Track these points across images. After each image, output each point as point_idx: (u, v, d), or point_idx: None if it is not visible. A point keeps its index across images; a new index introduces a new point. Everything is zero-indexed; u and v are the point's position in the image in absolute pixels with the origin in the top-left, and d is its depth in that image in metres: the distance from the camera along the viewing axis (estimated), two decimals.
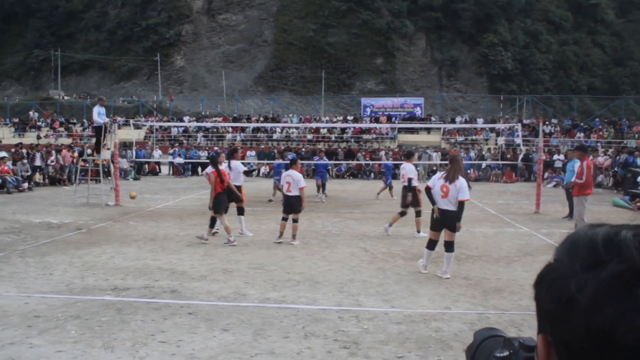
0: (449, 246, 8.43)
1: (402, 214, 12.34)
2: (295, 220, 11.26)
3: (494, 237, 12.17)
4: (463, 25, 76.17)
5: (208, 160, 13.69)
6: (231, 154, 13.18)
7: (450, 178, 8.30)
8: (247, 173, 13.51)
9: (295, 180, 11.14)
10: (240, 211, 12.24)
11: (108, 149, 18.06)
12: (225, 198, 11.28)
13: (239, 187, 12.16)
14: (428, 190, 8.52)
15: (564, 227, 13.13)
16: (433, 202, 8.48)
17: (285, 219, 11.30)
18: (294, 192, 11.11)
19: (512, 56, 73.13)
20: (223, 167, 11.80)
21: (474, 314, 6.68)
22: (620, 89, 67.91)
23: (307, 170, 26.46)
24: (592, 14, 79.57)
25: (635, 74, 74.49)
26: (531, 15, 77.18)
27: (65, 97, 69.00)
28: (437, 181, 8.43)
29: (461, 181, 8.34)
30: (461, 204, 8.30)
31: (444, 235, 8.47)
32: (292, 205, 11.18)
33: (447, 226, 8.40)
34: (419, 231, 12.15)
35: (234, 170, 12.40)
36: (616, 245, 0.74)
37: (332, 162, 27.72)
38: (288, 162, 12.86)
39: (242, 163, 14.34)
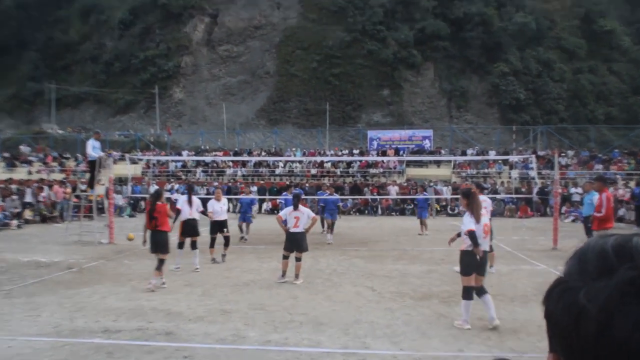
0: (484, 289, 7.96)
1: None
2: (298, 259, 11.16)
3: (509, 274, 12.02)
4: (472, 54, 76.78)
5: (208, 196, 14.42)
6: (190, 190, 14.08)
7: (477, 218, 7.88)
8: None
9: (304, 214, 11.16)
10: (194, 245, 13.02)
11: (102, 184, 18.08)
12: (156, 239, 10.56)
13: (197, 222, 13.17)
14: (473, 234, 7.85)
15: None
16: (477, 244, 7.83)
17: (286, 257, 11.16)
18: (301, 229, 11.05)
19: (524, 86, 73.47)
20: (183, 205, 13.05)
21: (488, 356, 6.54)
22: (639, 118, 67.98)
23: (311, 207, 26.25)
24: (607, 41, 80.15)
25: None
26: (543, 44, 77.80)
27: (59, 131, 69.48)
28: (476, 225, 7.86)
29: (487, 201, 8.16)
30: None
31: (475, 280, 7.93)
32: (298, 242, 11.04)
33: (483, 270, 7.96)
34: (491, 266, 11.67)
35: (194, 205, 13.25)
36: (628, 251, 0.74)
37: (341, 197, 27.03)
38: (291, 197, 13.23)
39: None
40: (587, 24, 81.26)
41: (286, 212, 11.35)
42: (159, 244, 10.55)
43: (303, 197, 17.21)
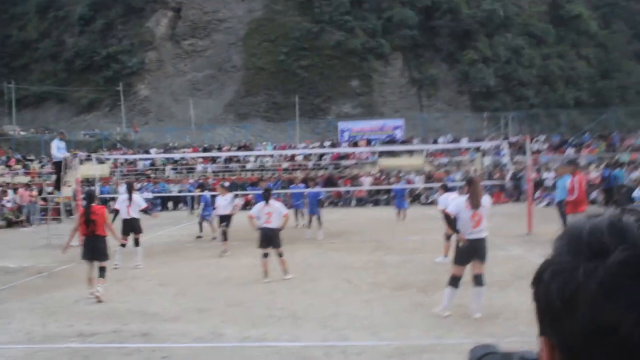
0: (481, 279, 7.91)
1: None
2: (280, 255, 11.00)
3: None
4: (441, 42, 77.35)
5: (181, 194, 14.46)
6: (130, 188, 14.02)
7: (475, 204, 7.85)
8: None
9: (277, 209, 11.06)
10: (137, 242, 13.20)
11: (69, 185, 17.88)
12: (92, 245, 9.73)
13: (138, 220, 13.25)
14: (448, 217, 8.02)
15: None
16: (455, 229, 7.94)
17: (266, 255, 10.96)
18: (275, 224, 10.96)
19: (494, 72, 74.28)
20: (122, 204, 13.01)
21: (469, 342, 6.64)
22: (608, 102, 69.18)
23: (284, 201, 26.20)
24: (574, 26, 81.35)
25: (623, 86, 76.08)
26: (512, 30, 78.69)
27: (22, 132, 68.32)
28: (462, 210, 7.86)
29: (488, 201, 8.14)
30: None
31: (473, 268, 7.93)
32: (272, 239, 10.91)
33: (480, 257, 7.90)
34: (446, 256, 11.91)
35: (135, 204, 13.29)
36: (620, 230, 0.73)
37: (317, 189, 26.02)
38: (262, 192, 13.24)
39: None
40: (554, 10, 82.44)
41: (257, 209, 11.24)
42: (96, 251, 9.68)
43: (274, 191, 17.21)
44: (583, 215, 0.82)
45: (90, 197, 10.07)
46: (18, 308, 9.23)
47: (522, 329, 7.03)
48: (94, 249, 9.64)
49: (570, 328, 0.73)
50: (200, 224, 18.41)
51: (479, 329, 7.19)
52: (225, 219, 15.08)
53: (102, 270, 9.68)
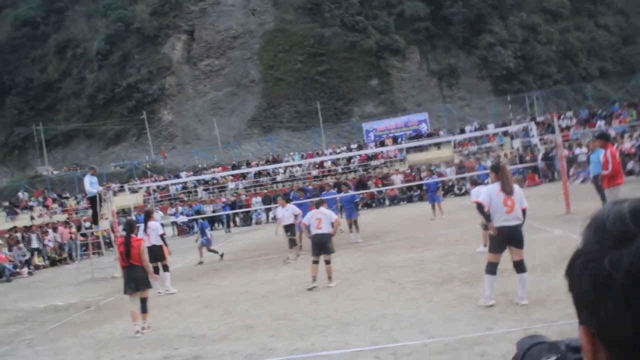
0: (523, 265, 7.82)
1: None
2: (327, 262, 10.98)
3: (526, 245, 12.01)
4: (455, 30, 76.78)
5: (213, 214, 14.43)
6: (147, 216, 14.10)
7: (508, 189, 7.80)
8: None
9: (327, 215, 11.08)
10: (165, 268, 13.31)
11: (106, 218, 18.18)
12: (133, 274, 9.53)
13: (160, 247, 13.15)
14: (480, 206, 8.00)
15: None
16: (488, 218, 7.92)
17: (316, 262, 10.90)
18: (325, 230, 10.94)
19: (512, 54, 73.44)
20: (140, 234, 11.60)
21: (519, 330, 6.58)
22: (634, 68, 67.90)
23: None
24: None
25: None
26: (525, 8, 77.76)
27: (55, 172, 69.62)
28: (494, 197, 7.81)
29: (518, 188, 8.08)
30: (525, 212, 7.98)
31: (512, 255, 7.85)
32: (324, 245, 10.88)
33: (516, 243, 7.83)
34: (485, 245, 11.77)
35: (153, 231, 13.28)
36: None
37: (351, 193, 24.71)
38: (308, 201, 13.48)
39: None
40: None
41: (308, 216, 11.31)
42: (139, 280, 9.46)
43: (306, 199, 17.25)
44: (610, 201, 0.82)
45: (130, 226, 9.98)
46: (71, 344, 9.39)
47: (572, 311, 6.90)
48: (136, 278, 9.52)
49: (606, 316, 0.74)
50: (200, 249, 17.98)
51: (527, 316, 7.11)
52: (289, 229, 15.46)
53: (143, 302, 9.52)
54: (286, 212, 15.71)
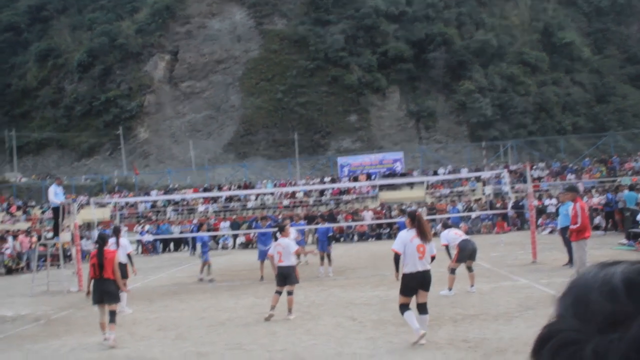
0: (425, 308, 8.24)
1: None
2: (290, 293, 10.76)
3: (490, 292, 11.94)
4: (436, 74, 77.82)
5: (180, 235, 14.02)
6: (117, 233, 13.63)
7: (424, 238, 8.12)
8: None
9: (285, 247, 10.83)
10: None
11: (68, 231, 17.70)
12: (103, 287, 9.49)
13: (125, 265, 12.78)
14: (397, 257, 8.18)
15: (566, 275, 12.90)
16: (397, 268, 8.21)
17: (279, 292, 10.70)
18: (287, 262, 10.73)
19: (490, 102, 74.50)
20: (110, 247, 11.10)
21: None
22: (606, 126, 69.36)
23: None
24: (567, 52, 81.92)
25: (619, 109, 76.29)
26: (506, 59, 79.22)
27: (23, 179, 68.33)
28: (409, 243, 8.08)
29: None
30: (433, 259, 8.36)
31: (417, 297, 8.19)
32: (288, 276, 10.71)
33: (425, 287, 8.18)
34: (472, 285, 12.25)
35: (122, 248, 12.86)
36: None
37: (314, 226, 23.00)
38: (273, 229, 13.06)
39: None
40: (546, 37, 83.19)
41: (272, 247, 11.16)
42: (105, 293, 9.44)
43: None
44: (596, 264, 0.69)
45: (103, 240, 9.92)
46: (14, 358, 8.97)
47: None
48: (104, 291, 9.46)
49: None
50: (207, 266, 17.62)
51: None
52: None
53: (112, 314, 9.47)
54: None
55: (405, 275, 8.08)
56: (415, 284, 8.07)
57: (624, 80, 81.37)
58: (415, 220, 8.27)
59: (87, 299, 10.02)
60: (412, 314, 8.07)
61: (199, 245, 18.29)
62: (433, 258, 8.31)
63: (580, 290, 0.63)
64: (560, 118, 75.93)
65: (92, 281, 9.61)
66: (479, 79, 76.08)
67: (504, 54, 79.36)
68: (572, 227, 11.12)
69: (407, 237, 8.16)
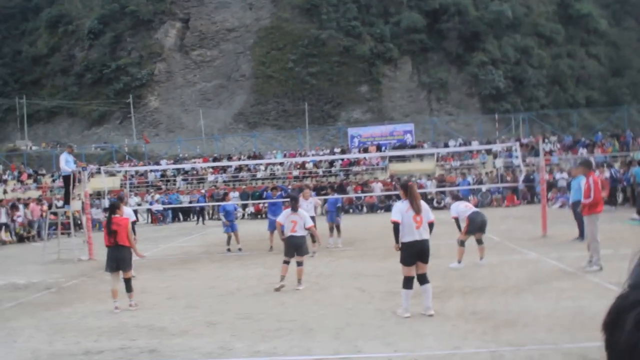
0: (425, 278, 8.31)
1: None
2: (300, 264, 10.73)
3: (499, 266, 11.94)
4: (449, 45, 77.06)
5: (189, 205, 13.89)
6: (120, 201, 13.20)
7: (416, 209, 8.21)
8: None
9: (302, 218, 10.83)
10: None
11: (79, 199, 17.78)
12: (116, 254, 9.63)
13: None
14: (397, 226, 8.23)
15: (575, 250, 12.92)
16: (397, 239, 8.26)
17: (287, 262, 10.69)
18: (300, 232, 10.74)
19: (503, 74, 73.85)
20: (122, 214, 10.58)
21: (486, 352, 6.41)
22: (620, 100, 68.62)
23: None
24: (584, 24, 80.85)
25: (634, 83, 75.46)
26: (520, 30, 78.26)
27: (34, 147, 68.66)
28: (405, 214, 8.20)
29: (424, 204, 8.50)
30: (432, 225, 8.40)
31: (417, 269, 8.29)
32: (299, 247, 10.70)
33: (423, 258, 8.27)
34: (481, 258, 12.30)
35: (126, 216, 12.51)
36: None
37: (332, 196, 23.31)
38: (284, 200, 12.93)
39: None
40: (563, 9, 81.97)
41: (283, 216, 11.03)
42: (120, 260, 9.59)
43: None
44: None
45: (113, 207, 10.09)
46: (25, 325, 9.06)
47: (542, 335, 6.78)
48: (118, 258, 9.63)
49: None
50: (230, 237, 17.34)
51: (495, 337, 6.94)
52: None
53: (127, 282, 9.74)
54: (309, 205, 15.31)
55: (404, 245, 8.21)
56: (414, 253, 8.19)
57: None
58: (407, 191, 8.38)
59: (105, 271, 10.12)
60: (409, 294, 8.20)
61: (222, 215, 18.03)
62: (432, 225, 8.36)
63: None
64: (573, 91, 75.24)
65: (107, 249, 9.75)
66: (492, 51, 75.30)
67: (518, 25, 78.35)
68: (585, 201, 11.03)
69: (403, 207, 8.29)
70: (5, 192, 40.27)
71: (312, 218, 14.50)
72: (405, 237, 8.19)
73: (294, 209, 10.96)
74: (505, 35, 77.20)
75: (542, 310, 8.00)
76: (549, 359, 5.95)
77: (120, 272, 9.74)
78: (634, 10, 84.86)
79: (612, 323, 0.60)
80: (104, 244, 9.90)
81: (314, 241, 14.46)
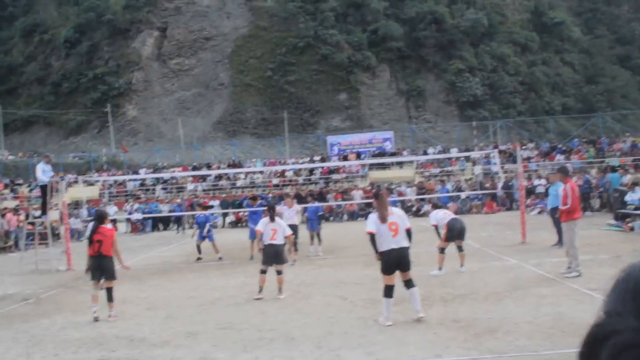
0: (411, 282, 8.32)
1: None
2: (279, 272, 10.75)
3: (480, 272, 12.00)
4: (427, 53, 77.59)
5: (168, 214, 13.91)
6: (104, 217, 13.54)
7: (382, 217, 8.22)
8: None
9: (281, 227, 10.93)
10: None
11: (56, 209, 17.58)
12: (99, 263, 9.67)
13: None
14: (373, 237, 8.24)
15: (555, 256, 13.03)
16: (376, 249, 8.25)
17: (264, 272, 10.68)
18: (279, 241, 10.79)
19: (480, 81, 74.51)
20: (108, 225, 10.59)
21: (467, 359, 6.42)
22: (595, 107, 69.57)
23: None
24: (557, 32, 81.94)
25: (608, 90, 76.57)
26: (496, 38, 79.11)
27: (10, 157, 67.71)
28: (379, 224, 8.21)
29: (398, 210, 8.59)
30: (409, 232, 8.33)
31: (401, 277, 8.32)
32: (278, 255, 10.74)
33: (403, 267, 8.26)
34: (462, 265, 12.37)
35: None
36: None
37: (309, 205, 23.23)
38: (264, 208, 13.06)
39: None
40: (537, 17, 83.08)
41: (263, 224, 11.01)
42: (104, 270, 9.63)
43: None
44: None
45: (99, 217, 10.08)
46: (2, 338, 8.91)
47: (523, 342, 6.81)
48: (102, 268, 9.68)
49: None
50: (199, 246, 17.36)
51: (477, 345, 6.95)
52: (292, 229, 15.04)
53: (109, 292, 9.72)
54: (292, 213, 15.54)
55: (382, 254, 8.22)
56: (393, 262, 8.18)
57: (613, 61, 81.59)
58: (378, 199, 8.44)
59: (87, 275, 10.11)
60: (390, 302, 8.23)
61: (208, 225, 17.90)
62: (409, 231, 8.28)
63: (638, 283, 0.55)
64: (549, 98, 76.09)
65: (90, 258, 9.73)
66: (469, 59, 75.96)
67: (494, 33, 79.20)
68: (562, 207, 11.13)
69: (376, 217, 8.31)
70: None
71: (295, 227, 14.67)
72: (383, 246, 8.20)
73: (272, 218, 10.98)
74: (482, 43, 77.98)
75: (523, 317, 8.04)
76: None
77: (103, 282, 9.75)
78: (605, 18, 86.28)
79: (588, 353, 0.58)
80: (88, 253, 9.84)
81: (296, 250, 14.54)
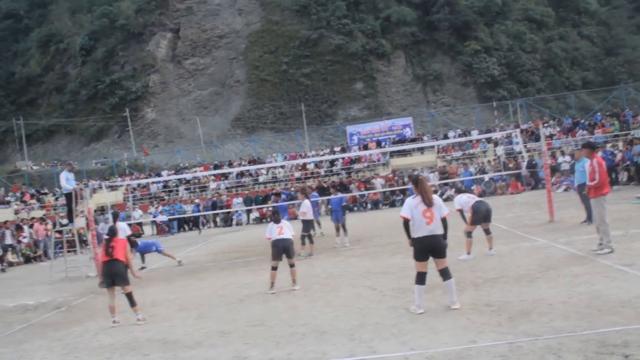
0: (447, 272, 8.16)
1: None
2: (292, 265, 11.08)
3: (509, 254, 11.84)
4: (441, 36, 76.94)
5: (194, 215, 14.07)
6: (115, 217, 14.16)
7: (427, 202, 8.11)
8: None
9: (287, 225, 11.31)
10: None
11: (82, 216, 17.73)
12: (112, 269, 9.75)
13: None
14: (407, 222, 8.22)
15: (584, 233, 12.83)
16: (409, 235, 8.22)
17: (275, 268, 11.04)
18: (287, 235, 11.05)
19: (497, 61, 73.74)
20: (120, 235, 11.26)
21: (503, 344, 6.30)
22: (616, 79, 68.53)
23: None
24: (574, 5, 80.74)
25: (629, 61, 75.31)
26: (511, 17, 78.17)
27: (34, 167, 68.61)
28: (414, 209, 8.13)
29: (437, 198, 8.37)
30: (445, 221, 8.21)
31: (436, 265, 8.17)
32: (287, 249, 11.01)
33: (437, 254, 8.15)
34: (490, 248, 12.23)
35: (120, 232, 12.65)
36: None
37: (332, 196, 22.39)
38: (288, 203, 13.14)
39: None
40: None
41: (269, 230, 11.39)
42: (115, 275, 9.69)
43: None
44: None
45: (112, 233, 10.18)
46: (38, 347, 9.00)
47: (559, 323, 6.68)
48: (113, 273, 9.72)
49: None
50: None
51: (512, 328, 6.84)
52: (306, 224, 15.68)
53: (129, 297, 9.78)
54: (304, 208, 16.04)
55: (415, 240, 8.15)
56: (426, 249, 8.09)
57: (633, 31, 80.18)
58: (418, 185, 8.31)
59: (101, 287, 10.31)
60: (422, 290, 8.13)
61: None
62: (444, 220, 8.18)
63: None
64: (568, 74, 75.08)
65: (103, 265, 9.87)
66: (485, 39, 75.17)
67: (508, 11, 78.25)
68: (590, 183, 10.91)
69: (412, 203, 8.22)
70: (16, 212, 40.11)
71: (310, 221, 15.71)
72: (416, 233, 8.12)
73: (276, 221, 11.31)
74: (496, 23, 77.12)
75: (557, 298, 7.90)
76: (567, 348, 5.85)
77: (118, 288, 9.84)
78: None
79: None
80: (101, 260, 9.99)
81: (311, 242, 15.44)
